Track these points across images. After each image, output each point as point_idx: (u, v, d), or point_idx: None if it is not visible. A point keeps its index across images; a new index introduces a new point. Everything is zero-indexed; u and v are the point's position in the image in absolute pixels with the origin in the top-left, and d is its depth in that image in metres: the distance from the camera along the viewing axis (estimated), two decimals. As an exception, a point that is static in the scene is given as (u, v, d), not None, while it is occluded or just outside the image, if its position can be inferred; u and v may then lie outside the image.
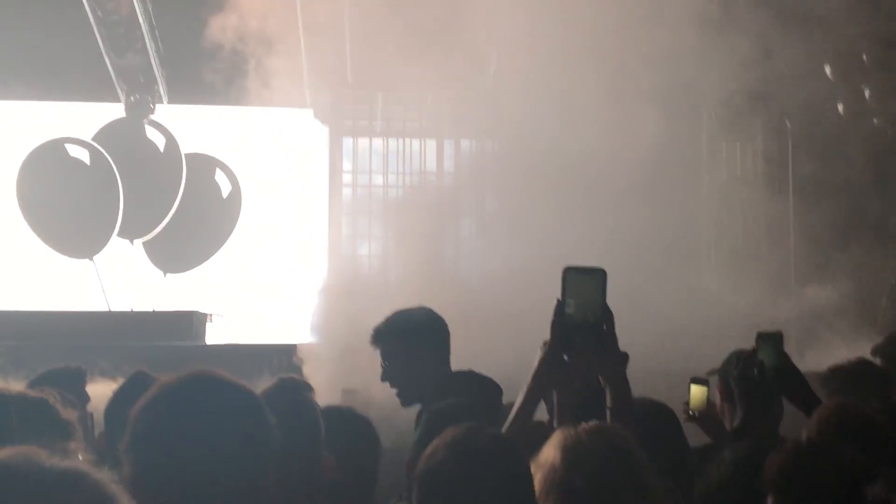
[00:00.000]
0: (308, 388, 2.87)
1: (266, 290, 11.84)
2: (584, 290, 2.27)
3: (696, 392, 3.56)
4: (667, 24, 8.18)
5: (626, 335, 2.29)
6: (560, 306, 2.31)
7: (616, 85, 8.49)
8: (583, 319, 2.28)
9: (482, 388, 3.60)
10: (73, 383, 3.77)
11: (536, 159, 10.71)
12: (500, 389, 3.62)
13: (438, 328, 3.83)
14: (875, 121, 8.55)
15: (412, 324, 3.79)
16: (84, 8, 11.04)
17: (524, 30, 9.90)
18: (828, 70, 8.49)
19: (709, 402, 3.54)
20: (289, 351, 9.03)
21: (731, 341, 4.23)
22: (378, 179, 10.89)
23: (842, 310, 8.04)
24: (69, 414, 2.79)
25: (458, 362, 3.78)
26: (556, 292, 2.31)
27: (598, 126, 9.20)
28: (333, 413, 3.05)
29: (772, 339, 3.02)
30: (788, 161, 9.79)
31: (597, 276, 2.28)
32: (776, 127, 9.73)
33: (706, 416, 3.56)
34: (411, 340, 3.75)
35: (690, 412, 3.55)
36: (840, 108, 8.67)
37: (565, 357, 2.32)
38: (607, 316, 2.31)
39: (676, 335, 7.91)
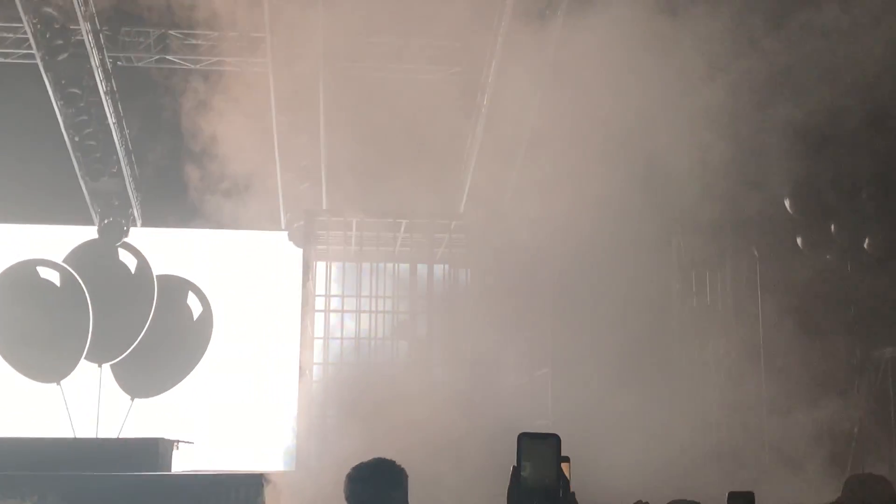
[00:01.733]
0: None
1: (236, 414, 11.78)
2: (538, 455, 2.33)
3: None
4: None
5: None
6: (516, 471, 2.36)
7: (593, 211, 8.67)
8: (539, 483, 2.34)
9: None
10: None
11: (508, 285, 10.93)
12: None
13: (391, 479, 3.88)
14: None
15: (363, 476, 3.84)
16: (61, 133, 11.28)
17: (493, 157, 10.25)
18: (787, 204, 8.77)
19: None
20: (255, 482, 8.98)
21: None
22: (351, 304, 11.00)
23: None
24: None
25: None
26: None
27: (578, 258, 9.40)
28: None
29: (742, 500, 3.09)
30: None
31: (551, 441, 2.33)
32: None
33: None
34: (364, 491, 3.79)
35: None
36: (799, 241, 8.91)
37: None
38: (563, 480, 2.37)
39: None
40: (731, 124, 8.10)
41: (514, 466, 2.36)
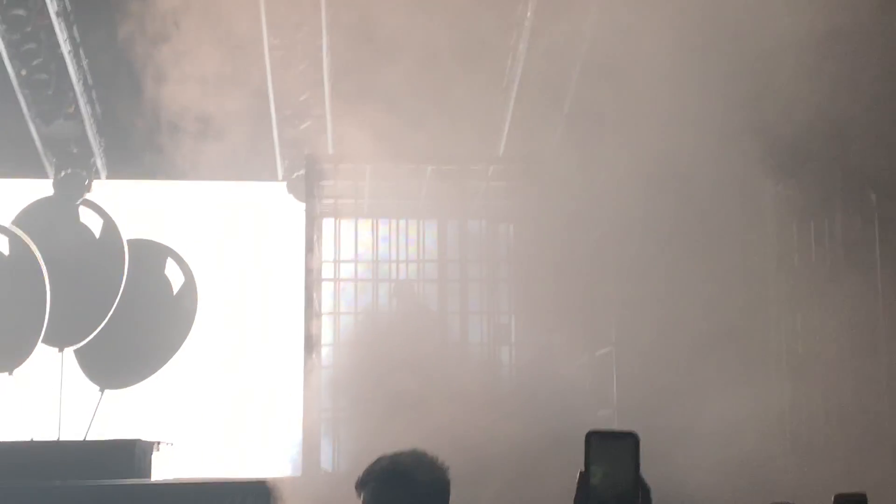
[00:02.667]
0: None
1: (227, 411, 11.76)
2: (612, 457, 2.27)
3: None
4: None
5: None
6: (584, 478, 2.27)
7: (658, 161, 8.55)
8: (613, 493, 2.26)
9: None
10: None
11: (559, 244, 10.78)
12: None
13: (427, 476, 3.81)
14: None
15: (395, 471, 3.79)
16: (4, 65, 11.17)
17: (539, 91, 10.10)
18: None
19: None
20: (261, 491, 8.92)
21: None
22: (366, 271, 10.88)
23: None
24: None
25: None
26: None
27: (630, 205, 9.28)
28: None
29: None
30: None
31: (627, 441, 2.27)
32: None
33: None
34: (394, 489, 3.74)
35: None
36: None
37: None
38: (643, 488, 2.30)
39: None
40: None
41: (581, 472, 2.27)
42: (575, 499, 2.27)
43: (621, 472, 2.25)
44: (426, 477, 3.80)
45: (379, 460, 3.87)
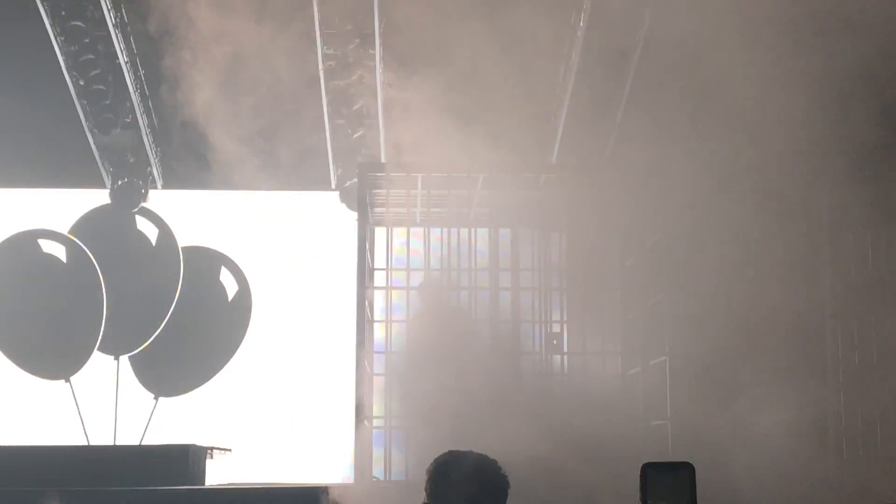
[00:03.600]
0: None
1: (281, 416, 11.76)
2: (668, 489, 2.29)
3: None
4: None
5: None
6: None
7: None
8: None
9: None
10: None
11: (614, 252, 10.70)
12: None
13: (487, 480, 3.75)
14: None
15: (457, 474, 3.72)
16: (63, 76, 11.29)
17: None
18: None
19: None
20: (309, 495, 8.93)
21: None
22: (418, 279, 10.85)
23: None
24: None
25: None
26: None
27: (685, 212, 9.20)
28: None
29: None
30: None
31: (683, 473, 2.30)
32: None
33: None
34: (456, 488, 3.68)
35: None
36: None
37: None
38: None
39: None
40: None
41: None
42: None
43: (679, 501, 2.28)
44: (486, 475, 3.76)
45: (446, 455, 3.85)
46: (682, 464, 2.30)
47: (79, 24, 10.96)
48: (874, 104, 8.27)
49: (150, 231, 12.42)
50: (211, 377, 12.14)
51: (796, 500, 7.55)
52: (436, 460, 3.78)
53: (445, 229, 10.95)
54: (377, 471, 10.18)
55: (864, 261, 10.08)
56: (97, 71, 11.34)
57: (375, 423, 10.23)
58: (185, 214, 12.47)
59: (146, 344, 12.02)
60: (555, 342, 10.49)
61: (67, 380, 11.81)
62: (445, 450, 4.10)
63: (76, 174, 12.13)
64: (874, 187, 9.25)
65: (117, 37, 11.17)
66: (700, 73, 8.34)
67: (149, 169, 12.21)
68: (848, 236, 10.22)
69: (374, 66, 11.01)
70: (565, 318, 10.68)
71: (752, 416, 8.04)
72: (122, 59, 11.31)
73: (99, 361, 12.02)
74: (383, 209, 11.12)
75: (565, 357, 10.55)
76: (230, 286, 12.43)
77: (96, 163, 12.08)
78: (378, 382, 10.41)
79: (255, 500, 9.00)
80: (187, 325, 12.10)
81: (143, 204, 12.32)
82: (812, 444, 8.42)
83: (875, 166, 8.90)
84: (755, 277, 9.14)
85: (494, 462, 3.95)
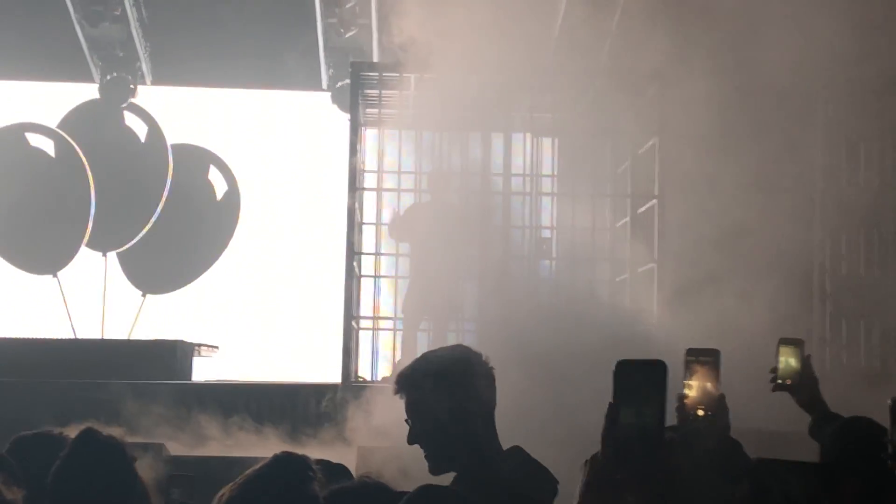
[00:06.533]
0: (307, 473, 2.90)
1: (271, 316, 11.84)
2: (641, 389, 2.26)
3: (788, 354, 3.68)
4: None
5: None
6: (613, 410, 2.27)
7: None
8: (641, 425, 2.24)
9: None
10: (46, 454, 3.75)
11: (605, 158, 10.68)
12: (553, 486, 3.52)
13: (476, 373, 3.72)
14: None
15: (442, 369, 3.69)
16: (50, -35, 11.15)
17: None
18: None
19: (804, 366, 3.67)
20: (295, 392, 9.03)
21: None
22: (409, 181, 10.81)
23: None
24: (13, 494, 2.90)
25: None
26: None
27: (691, 128, 9.16)
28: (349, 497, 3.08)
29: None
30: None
31: (657, 371, 2.27)
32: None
33: (801, 384, 3.67)
34: (440, 390, 3.65)
35: (780, 380, 3.67)
36: None
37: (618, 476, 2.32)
38: (666, 419, 2.28)
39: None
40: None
41: (610, 403, 2.30)
42: (603, 435, 2.29)
43: (650, 402, 2.24)
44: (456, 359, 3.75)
45: (416, 360, 3.81)
46: (656, 361, 2.28)
47: None
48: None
49: (138, 127, 12.39)
50: (199, 275, 12.20)
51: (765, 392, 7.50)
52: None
53: (438, 133, 10.88)
54: (364, 371, 10.25)
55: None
56: (86, -38, 11.20)
57: (363, 323, 10.27)
58: (175, 111, 12.42)
59: (134, 241, 12.03)
60: (544, 247, 10.51)
61: (55, 275, 11.83)
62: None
63: (64, 67, 12.04)
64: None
65: (107, -74, 11.00)
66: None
67: (138, 64, 12.10)
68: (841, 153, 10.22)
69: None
70: (555, 225, 10.68)
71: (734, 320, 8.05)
72: (112, -51, 11.16)
73: (87, 257, 12.03)
74: (375, 110, 11.03)
75: (553, 262, 10.58)
76: (219, 185, 12.43)
77: (85, 56, 11.97)
78: (366, 284, 10.44)
79: (240, 394, 9.10)
80: (176, 222, 12.12)
81: (132, 99, 12.25)
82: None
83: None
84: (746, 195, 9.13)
85: (480, 357, 3.92)
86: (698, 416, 2.59)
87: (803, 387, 3.72)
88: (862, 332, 9.69)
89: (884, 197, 9.80)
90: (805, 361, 3.74)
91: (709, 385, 2.59)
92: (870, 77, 8.76)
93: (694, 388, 2.59)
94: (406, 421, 3.66)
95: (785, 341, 3.73)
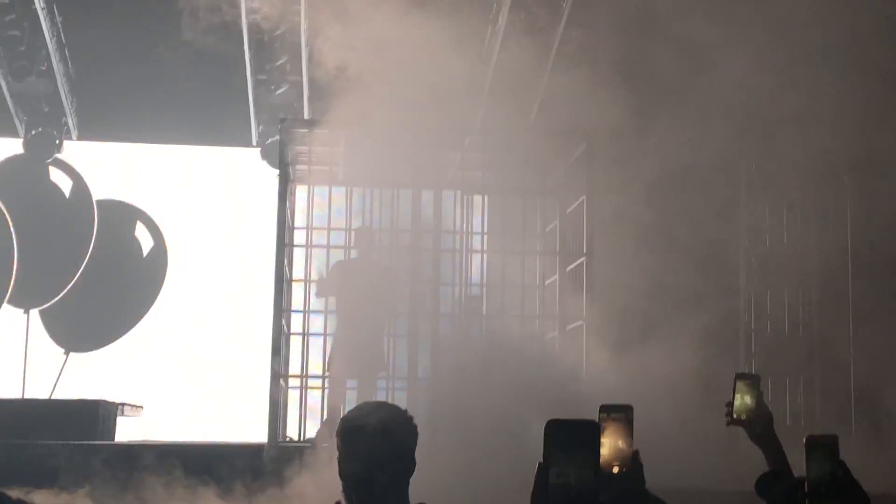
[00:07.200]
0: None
1: (197, 376, 11.69)
2: (573, 449, 2.24)
3: (743, 390, 3.70)
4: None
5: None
6: (543, 471, 2.25)
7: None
8: (575, 487, 2.22)
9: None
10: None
11: (534, 216, 10.76)
12: None
13: (407, 431, 3.72)
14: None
15: (388, 417, 3.70)
16: (-26, 21, 11.05)
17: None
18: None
19: (759, 402, 3.69)
20: (220, 453, 8.89)
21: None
22: (339, 238, 10.79)
23: None
24: None
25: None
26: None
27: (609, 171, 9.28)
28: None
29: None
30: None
31: (588, 430, 2.27)
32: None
33: (755, 419, 3.68)
34: (384, 437, 3.66)
35: (735, 415, 3.69)
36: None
37: None
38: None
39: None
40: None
41: (539, 464, 2.27)
42: (532, 493, 2.26)
43: (582, 462, 2.22)
44: (391, 431, 3.74)
45: (355, 410, 3.80)
46: (588, 421, 2.28)
47: (-8, -35, 10.73)
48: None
49: (63, 183, 12.26)
50: (124, 333, 12.04)
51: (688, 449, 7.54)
52: (343, 418, 3.73)
53: (368, 189, 10.90)
54: (291, 430, 10.14)
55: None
56: (12, 16, 11.14)
57: (291, 382, 10.18)
58: (102, 166, 12.31)
59: (57, 298, 11.86)
60: (474, 305, 10.53)
61: (-25, 332, 11.62)
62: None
63: (-11, 122, 11.92)
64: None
65: (34, -19, 10.94)
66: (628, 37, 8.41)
67: (64, 119, 12.01)
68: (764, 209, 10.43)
69: (300, 21, 10.90)
70: (485, 282, 10.71)
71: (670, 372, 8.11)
72: (39, 4, 11.09)
73: (8, 314, 11.84)
74: (305, 167, 11.02)
75: (483, 320, 10.59)
76: (145, 241, 12.32)
77: (9, 111, 11.86)
78: (294, 342, 10.36)
79: (165, 454, 8.93)
80: (101, 279, 11.97)
81: (58, 155, 12.14)
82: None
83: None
84: (672, 249, 9.26)
85: (403, 415, 3.93)
86: (613, 473, 2.56)
87: (757, 422, 3.75)
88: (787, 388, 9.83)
89: (807, 257, 10.01)
90: (760, 398, 3.77)
91: (620, 442, 2.56)
92: (792, 141, 8.99)
93: (606, 445, 2.54)
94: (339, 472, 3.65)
95: (741, 376, 3.70)
